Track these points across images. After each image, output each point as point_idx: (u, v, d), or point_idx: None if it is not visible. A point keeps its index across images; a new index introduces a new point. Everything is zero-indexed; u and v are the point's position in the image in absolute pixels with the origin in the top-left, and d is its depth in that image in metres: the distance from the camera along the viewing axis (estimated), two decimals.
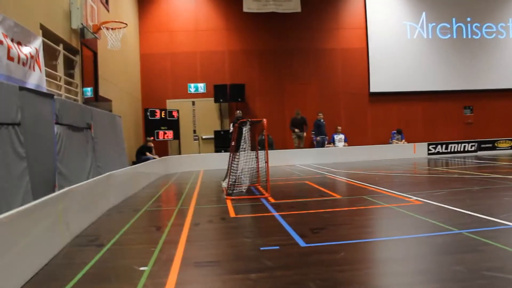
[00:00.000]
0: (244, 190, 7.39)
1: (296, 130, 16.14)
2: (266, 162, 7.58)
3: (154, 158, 13.76)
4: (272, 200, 6.86)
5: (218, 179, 11.15)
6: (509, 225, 4.42)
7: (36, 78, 6.67)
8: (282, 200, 6.91)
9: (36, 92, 6.30)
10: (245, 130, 7.84)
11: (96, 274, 3.47)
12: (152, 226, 5.41)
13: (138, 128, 15.94)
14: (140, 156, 13.85)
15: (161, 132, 15.74)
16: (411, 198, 6.43)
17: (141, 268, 3.55)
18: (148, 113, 15.72)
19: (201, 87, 17.27)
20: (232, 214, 5.88)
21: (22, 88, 5.77)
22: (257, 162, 8.80)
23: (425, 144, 17.59)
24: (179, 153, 16.42)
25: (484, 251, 3.60)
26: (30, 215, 3.63)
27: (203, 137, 17.08)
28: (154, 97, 16.99)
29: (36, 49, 6.69)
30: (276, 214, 5.71)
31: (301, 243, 4.13)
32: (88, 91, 10.56)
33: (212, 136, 16.69)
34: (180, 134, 16.54)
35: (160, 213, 6.49)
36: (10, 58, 5.83)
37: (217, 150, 16.09)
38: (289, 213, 5.77)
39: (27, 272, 3.38)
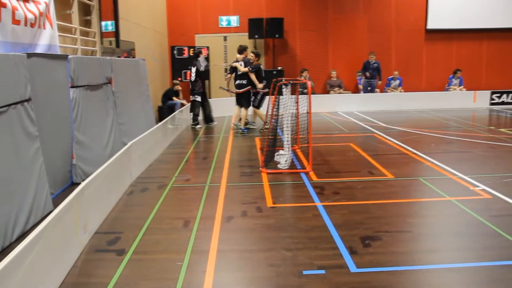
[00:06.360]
0: (286, 165, 6.66)
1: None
2: (309, 133, 6.73)
3: (182, 103, 13.03)
4: (314, 178, 6.14)
5: (249, 132, 10.44)
6: None
7: (47, 37, 5.90)
8: (325, 179, 6.15)
9: (47, 56, 5.57)
10: (285, 91, 7.11)
11: None
12: (179, 218, 4.78)
13: (164, 69, 14.99)
14: (166, 101, 13.15)
15: (189, 72, 14.73)
16: (476, 186, 5.52)
17: None
18: (175, 52, 14.76)
19: (234, 20, 15.73)
20: (269, 201, 5.22)
21: (31, 55, 5.05)
22: (297, 118, 7.95)
23: (488, 92, 15.28)
24: (209, 96, 15.51)
25: None
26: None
27: None
28: (181, 33, 15.63)
29: (46, 3, 5.84)
30: (319, 205, 5.01)
31: (351, 266, 3.48)
32: (109, 25, 9.59)
33: None
34: (210, 74, 15.38)
35: (188, 194, 5.81)
36: (15, 21, 5.07)
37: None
38: (334, 203, 5.05)
39: None
